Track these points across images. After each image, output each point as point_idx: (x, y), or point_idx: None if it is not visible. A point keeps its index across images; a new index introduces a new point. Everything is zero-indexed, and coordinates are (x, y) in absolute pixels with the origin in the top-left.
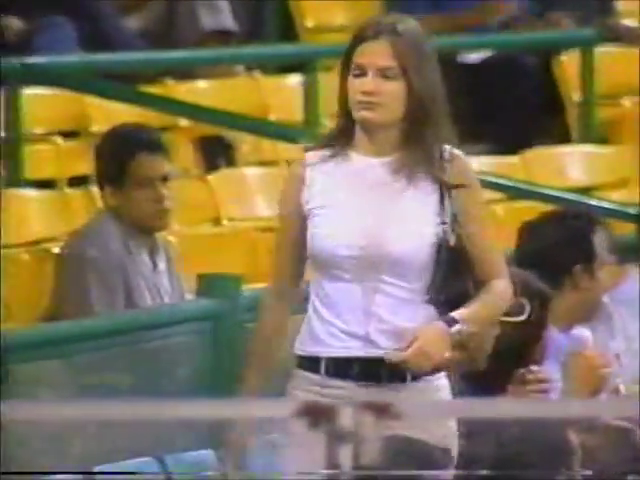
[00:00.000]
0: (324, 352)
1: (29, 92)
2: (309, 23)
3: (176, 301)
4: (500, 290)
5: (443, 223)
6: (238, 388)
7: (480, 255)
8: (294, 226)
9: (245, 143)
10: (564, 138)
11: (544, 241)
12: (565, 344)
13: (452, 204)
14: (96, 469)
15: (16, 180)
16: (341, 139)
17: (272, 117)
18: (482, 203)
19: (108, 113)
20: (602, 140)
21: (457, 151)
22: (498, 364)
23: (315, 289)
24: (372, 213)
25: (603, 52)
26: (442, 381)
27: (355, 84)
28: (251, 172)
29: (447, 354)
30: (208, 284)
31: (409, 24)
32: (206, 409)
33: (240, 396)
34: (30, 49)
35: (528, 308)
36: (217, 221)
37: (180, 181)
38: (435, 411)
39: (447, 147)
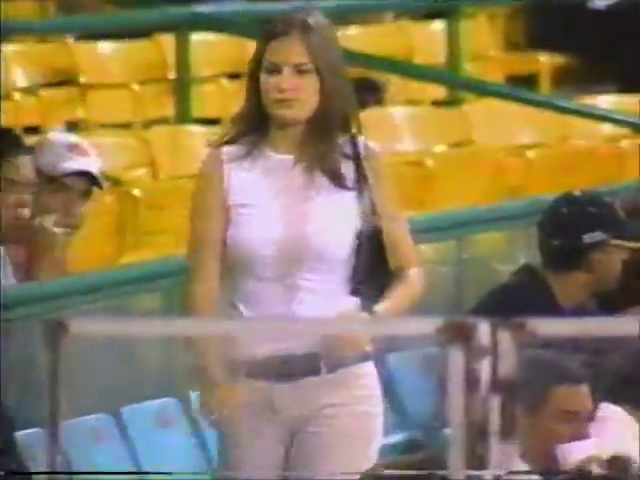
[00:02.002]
0: (247, 355)
1: (197, 38)
2: None
3: None
4: (415, 280)
5: (363, 213)
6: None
7: (394, 247)
8: (218, 223)
9: (393, 84)
10: None
11: None
12: None
13: (369, 195)
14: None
15: (185, 118)
16: (254, 135)
17: (417, 60)
18: (394, 195)
19: None
20: None
21: (372, 144)
22: (625, 284)
23: (234, 288)
24: (292, 210)
25: None
26: (366, 369)
27: (270, 82)
28: (398, 111)
29: (366, 346)
30: None
31: (318, 17)
32: (342, 324)
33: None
34: None
35: None
36: None
37: None
38: (569, 328)
39: (362, 140)
